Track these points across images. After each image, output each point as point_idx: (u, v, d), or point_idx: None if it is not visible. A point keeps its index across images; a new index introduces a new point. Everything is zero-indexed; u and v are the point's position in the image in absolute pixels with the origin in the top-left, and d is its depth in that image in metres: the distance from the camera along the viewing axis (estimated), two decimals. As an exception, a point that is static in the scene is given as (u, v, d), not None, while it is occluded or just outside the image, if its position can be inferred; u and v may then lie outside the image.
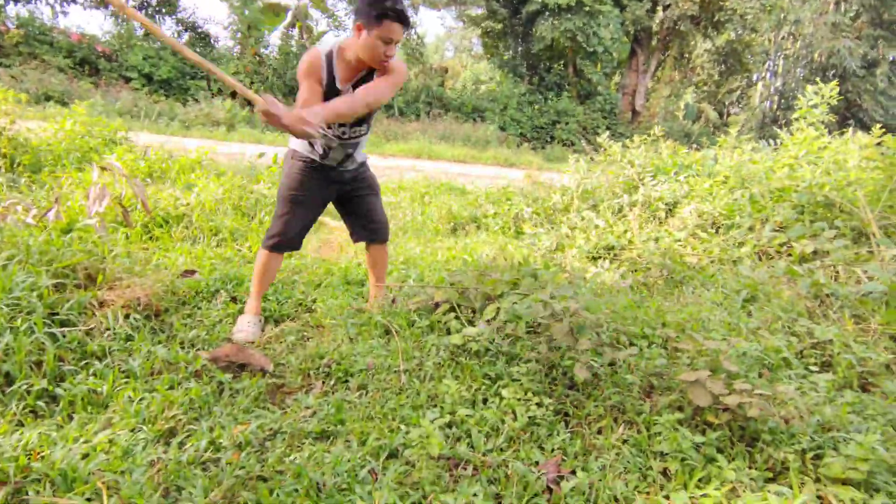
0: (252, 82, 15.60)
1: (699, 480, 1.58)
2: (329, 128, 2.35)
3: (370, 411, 1.88)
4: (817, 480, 1.59)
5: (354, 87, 2.34)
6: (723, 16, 16.08)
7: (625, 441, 1.77)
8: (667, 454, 1.67)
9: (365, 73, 2.34)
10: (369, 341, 2.42)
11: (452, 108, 17.97)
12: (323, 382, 2.13)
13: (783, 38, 20.39)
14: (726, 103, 23.22)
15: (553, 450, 1.74)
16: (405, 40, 19.32)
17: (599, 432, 1.85)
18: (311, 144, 2.49)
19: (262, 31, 16.64)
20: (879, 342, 2.41)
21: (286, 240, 2.61)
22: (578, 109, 18.52)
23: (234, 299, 2.86)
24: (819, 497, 1.52)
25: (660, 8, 17.22)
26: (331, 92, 2.30)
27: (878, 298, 2.63)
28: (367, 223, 2.82)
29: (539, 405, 1.94)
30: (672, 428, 1.74)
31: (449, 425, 1.82)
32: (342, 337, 2.49)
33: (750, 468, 1.61)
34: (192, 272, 3.05)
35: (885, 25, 19.45)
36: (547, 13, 16.62)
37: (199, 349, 2.30)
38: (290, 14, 17.68)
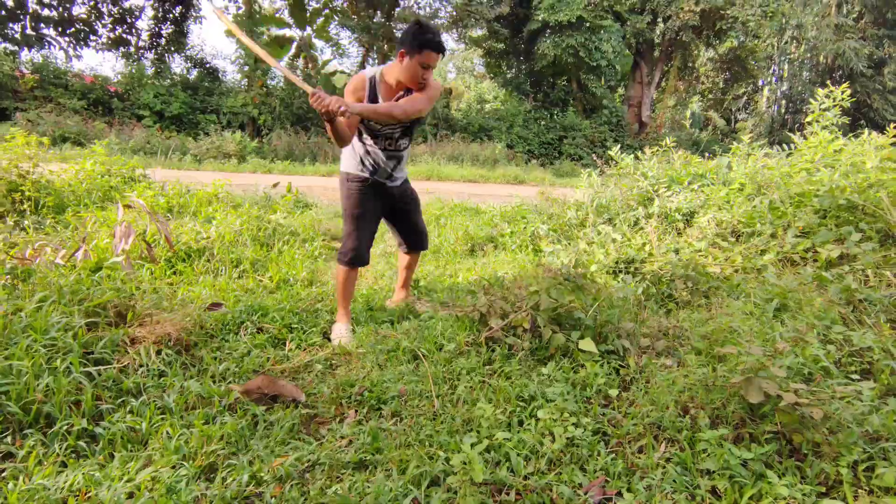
0: (260, 113, 15.91)
1: (750, 498, 1.54)
2: (377, 139, 2.80)
3: (407, 438, 1.87)
4: (871, 492, 1.54)
5: None
6: (724, 24, 16.16)
7: (668, 459, 1.74)
8: (713, 472, 1.64)
9: (403, 92, 2.69)
10: (398, 368, 2.41)
11: (459, 128, 18.15)
12: (356, 411, 2.12)
13: (786, 42, 20.42)
14: (733, 110, 23.19)
15: (595, 471, 1.71)
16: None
17: (640, 451, 1.81)
18: (361, 163, 2.86)
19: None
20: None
21: (359, 254, 2.92)
22: (585, 123, 18.60)
23: (260, 329, 2.88)
24: (875, 510, 1.47)
25: (660, 20, 17.37)
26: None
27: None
28: (413, 234, 3.26)
29: (576, 425, 1.91)
30: (717, 444, 1.71)
31: (487, 450, 1.80)
32: (371, 364, 2.48)
33: (802, 483, 1.57)
34: (218, 305, 3.07)
35: (890, 25, 19.42)
36: (548, 31, 16.84)
37: (230, 382, 2.30)
38: (294, 45, 18.11)
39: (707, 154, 6.86)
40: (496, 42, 20.43)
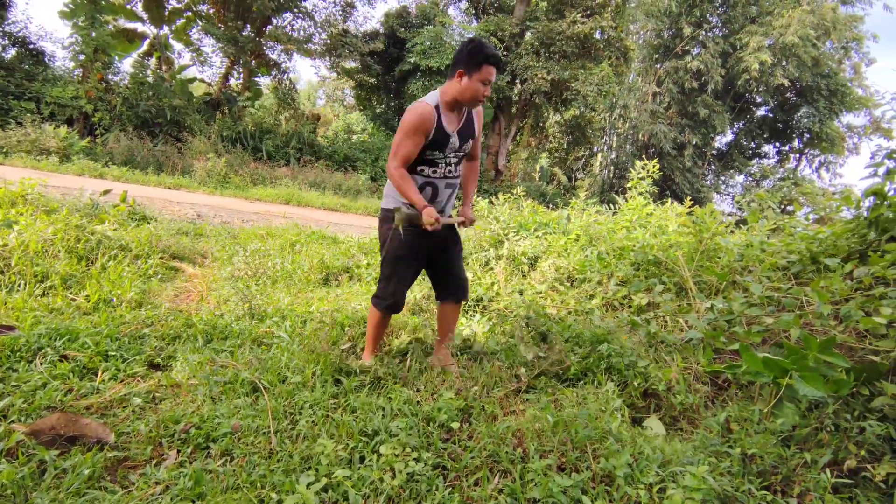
0: (95, 109, 14.03)
1: (567, 522, 1.68)
2: (437, 167, 2.57)
3: (236, 480, 1.71)
4: (662, 512, 1.78)
5: (459, 133, 2.56)
6: (569, 95, 18.45)
7: (500, 491, 1.83)
8: (539, 500, 1.76)
9: (465, 118, 2.60)
10: (235, 401, 2.23)
11: (324, 155, 17.86)
12: (178, 451, 1.89)
13: (615, 118, 23.90)
14: (574, 169, 26.29)
15: (432, 505, 1.73)
16: (276, 85, 19.00)
17: (476, 484, 1.88)
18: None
19: (112, 57, 15.20)
20: (699, 380, 2.83)
21: (398, 301, 2.68)
22: (447, 165, 19.56)
23: (64, 358, 2.46)
24: (665, 527, 1.69)
25: (518, 81, 19.22)
26: (442, 139, 2.51)
27: (697, 344, 3.10)
28: (454, 279, 2.85)
29: (417, 460, 1.92)
30: (543, 473, 1.84)
31: (325, 489, 1.72)
32: (203, 397, 2.25)
33: (610, 505, 1.76)
34: (9, 328, 2.57)
35: (689, 116, 23.84)
36: (419, 73, 17.61)
37: (12, 421, 1.92)
38: (146, 42, 16.46)
39: (551, 205, 7.63)
40: (368, 76, 20.77)
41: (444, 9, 21.24)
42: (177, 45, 17.43)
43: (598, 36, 18.13)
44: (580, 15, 17.36)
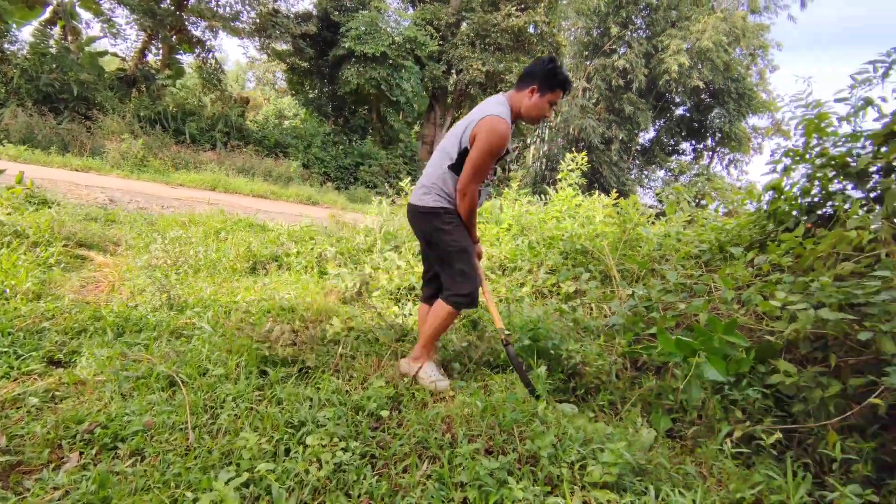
0: (-11, 81, 12.61)
1: (494, 503, 1.71)
2: (487, 178, 2.49)
3: (147, 481, 1.61)
4: (583, 488, 1.86)
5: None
6: (503, 87, 18.74)
7: (429, 476, 1.84)
8: (466, 483, 1.78)
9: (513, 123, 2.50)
10: (148, 397, 2.09)
11: (253, 140, 17.08)
12: (81, 453, 1.75)
13: (548, 112, 24.58)
14: (508, 161, 26.84)
15: (360, 495, 1.71)
16: (201, 64, 17.90)
17: (405, 471, 1.88)
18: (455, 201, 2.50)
19: (10, 24, 13.69)
20: (619, 361, 2.98)
21: (477, 294, 2.53)
22: (381, 153, 19.30)
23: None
24: (585, 502, 1.77)
25: (454, 71, 19.26)
26: (504, 154, 2.44)
27: (620, 329, 3.25)
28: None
29: (345, 450, 1.89)
30: (471, 457, 1.87)
31: (246, 484, 1.65)
32: (111, 394, 2.10)
33: (534, 485, 1.81)
34: None
35: (616, 112, 24.94)
36: (353, 59, 17.19)
37: None
38: (48, 9, 14.96)
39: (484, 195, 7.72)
40: (301, 60, 20.04)
41: (380, -7, 20.84)
42: (84, 15, 15.96)
43: (531, 30, 18.49)
44: (515, 8, 17.62)
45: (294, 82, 21.44)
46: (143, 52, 16.75)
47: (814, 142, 3.17)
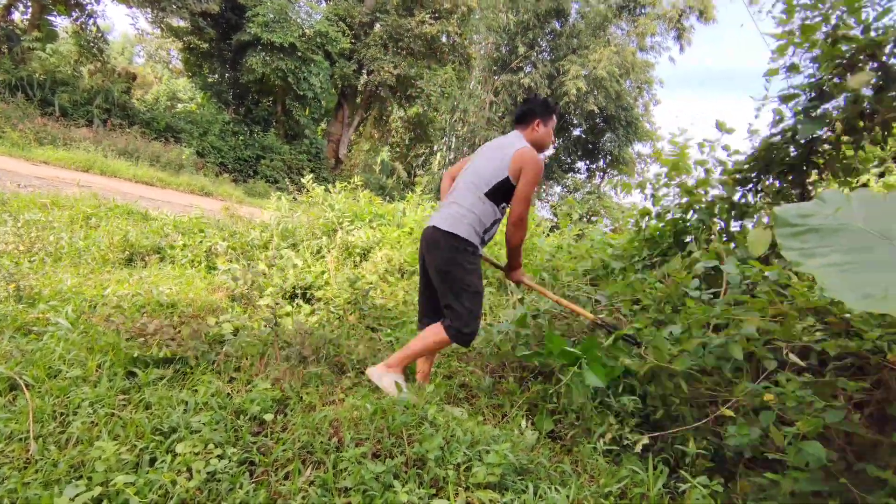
0: None
1: (378, 507, 1.69)
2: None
3: (-29, 500, 1.38)
4: (468, 489, 1.89)
5: None
6: (414, 91, 18.84)
7: (312, 482, 1.77)
8: (350, 488, 1.74)
9: None
10: (-20, 402, 1.80)
11: (140, 121, 15.58)
12: None
13: (455, 121, 25.11)
14: (414, 165, 26.95)
15: (234, 505, 1.60)
16: (79, 30, 16.01)
17: (287, 477, 1.79)
18: (482, 236, 2.55)
19: None
20: (509, 367, 3.10)
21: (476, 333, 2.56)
22: (285, 148, 18.51)
23: None
24: (468, 502, 1.80)
25: (365, 71, 19.02)
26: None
27: (505, 337, 3.36)
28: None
29: (221, 457, 1.77)
30: (357, 461, 1.83)
31: (99, 499, 1.48)
32: (-70, 400, 1.78)
33: (420, 488, 1.81)
34: None
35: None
36: (259, 47, 16.33)
37: None
38: None
39: (389, 198, 7.70)
40: (200, 40, 18.65)
41: (291, -19, 20.04)
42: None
43: (444, 39, 18.81)
44: (429, 16, 17.82)
45: (191, 63, 19.91)
46: (7, 9, 14.64)
47: (680, 178, 3.53)
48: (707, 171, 3.34)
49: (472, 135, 24.36)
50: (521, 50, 24.08)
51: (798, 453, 1.79)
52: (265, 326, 3.10)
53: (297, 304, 3.93)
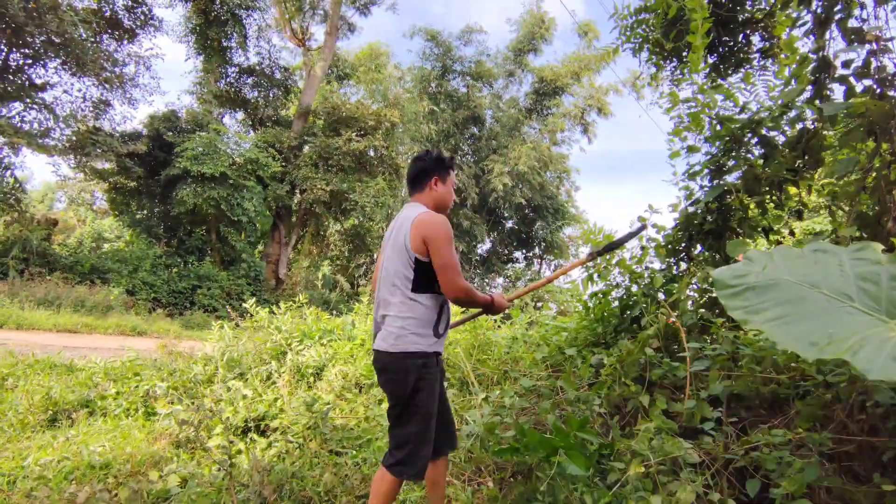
0: None
1: None
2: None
3: None
4: None
5: None
6: (348, 205, 19.37)
7: None
8: None
9: None
10: None
11: (61, 266, 14.86)
12: None
13: (394, 228, 25.81)
14: (356, 276, 26.94)
15: None
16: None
17: None
18: (436, 330, 2.21)
19: None
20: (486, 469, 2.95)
21: (426, 463, 2.19)
22: (222, 275, 18.08)
23: None
24: None
25: (298, 191, 19.46)
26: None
27: (475, 440, 3.23)
28: (447, 424, 2.39)
29: None
30: None
31: None
32: None
33: None
34: None
35: (455, 227, 27.19)
36: (189, 179, 16.46)
37: None
38: None
39: (335, 312, 7.56)
40: (126, 179, 18.59)
41: (219, 117, 20.83)
42: None
43: (371, 153, 19.81)
44: (355, 134, 18.86)
45: (118, 202, 19.62)
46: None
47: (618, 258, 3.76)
48: (643, 248, 3.57)
49: (410, 239, 24.95)
50: (446, 155, 25.74)
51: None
52: (218, 470, 2.82)
53: (250, 438, 3.63)
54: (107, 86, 16.50)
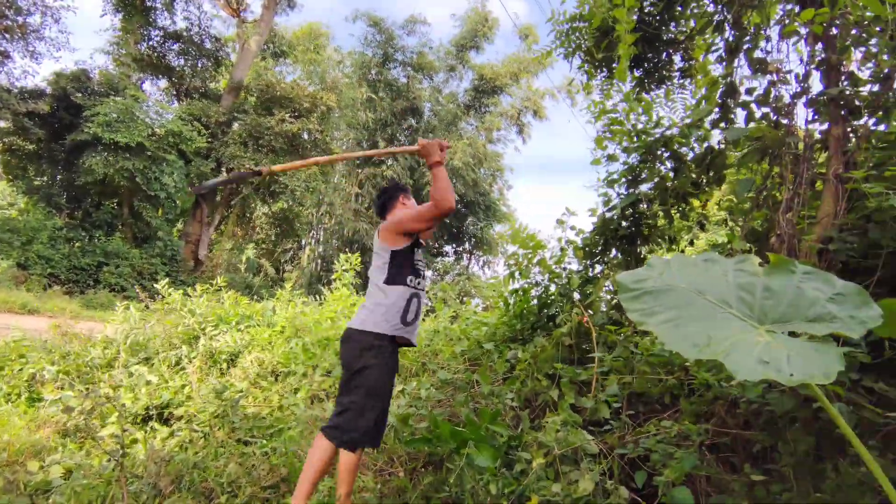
0: None
1: None
2: (420, 275, 2.54)
3: None
4: None
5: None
6: (278, 188, 18.66)
7: None
8: None
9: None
10: None
11: (-62, 233, 13.23)
12: None
13: (322, 214, 25.16)
14: (282, 261, 26.07)
15: None
16: None
17: None
18: (403, 316, 2.41)
19: None
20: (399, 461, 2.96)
21: (369, 437, 2.34)
22: (134, 252, 16.84)
23: None
24: None
25: (224, 169, 18.49)
26: (420, 247, 2.60)
27: (389, 430, 3.25)
28: (386, 417, 2.54)
29: None
30: None
31: None
32: None
33: None
34: None
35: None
36: (101, 147, 15.14)
37: None
38: None
39: (257, 297, 7.28)
40: (24, 140, 16.79)
41: (138, 83, 19.30)
42: None
43: (305, 136, 19.19)
44: (289, 115, 18.18)
45: (13, 166, 17.71)
46: None
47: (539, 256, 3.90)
48: (562, 250, 3.72)
49: (339, 227, 24.51)
50: (382, 145, 25.42)
51: (673, 500, 1.93)
52: (108, 461, 2.64)
53: (151, 427, 3.43)
54: (6, 35, 14.84)
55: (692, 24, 3.99)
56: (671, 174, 3.19)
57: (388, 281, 2.44)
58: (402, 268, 2.46)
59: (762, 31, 3.12)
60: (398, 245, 2.47)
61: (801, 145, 2.51)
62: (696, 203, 3.25)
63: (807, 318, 1.27)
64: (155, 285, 5.94)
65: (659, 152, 3.16)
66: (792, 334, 1.28)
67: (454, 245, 30.47)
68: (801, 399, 1.89)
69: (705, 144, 3.07)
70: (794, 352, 1.14)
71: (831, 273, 1.46)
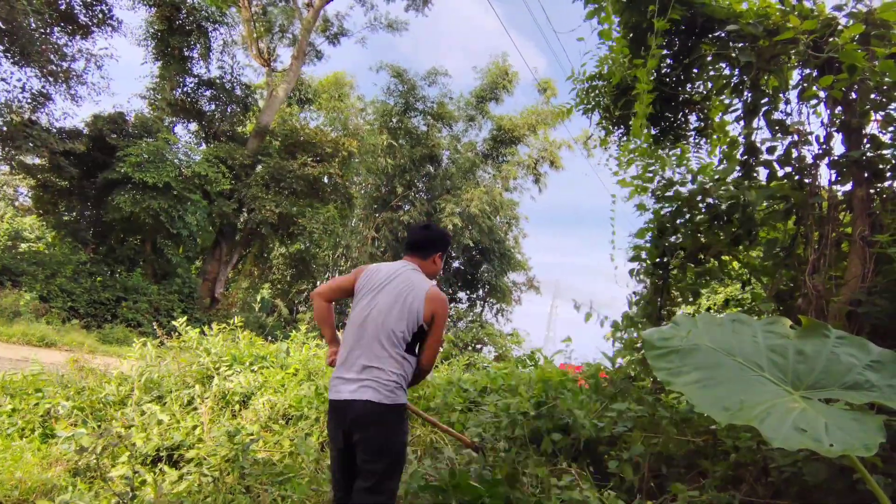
0: None
1: None
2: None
3: None
4: None
5: None
6: (295, 229, 18.98)
7: None
8: None
9: None
10: None
11: (-36, 264, 13.60)
12: None
13: (338, 256, 25.41)
14: (296, 302, 26.17)
15: None
16: None
17: None
18: (409, 384, 2.40)
19: None
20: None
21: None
22: (153, 288, 17.07)
23: None
24: None
25: (245, 210, 18.92)
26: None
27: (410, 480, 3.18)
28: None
29: None
30: None
31: None
32: None
33: None
34: None
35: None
36: (130, 185, 15.66)
37: None
38: None
39: (271, 338, 7.29)
40: (58, 177, 17.44)
41: (171, 126, 20.14)
42: None
43: (325, 180, 19.66)
44: (311, 159, 18.71)
45: (44, 201, 18.32)
46: None
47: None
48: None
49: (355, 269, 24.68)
50: (400, 190, 25.88)
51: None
52: (117, 503, 2.60)
53: (160, 469, 3.38)
54: (50, 79, 15.68)
55: (709, 85, 4.09)
56: (706, 227, 3.16)
57: (408, 349, 2.32)
58: (421, 339, 2.38)
59: (780, 94, 3.19)
60: (426, 328, 2.36)
61: (825, 205, 2.52)
62: (727, 259, 3.22)
63: (843, 385, 1.23)
64: (172, 321, 5.99)
65: (695, 202, 3.14)
66: (828, 401, 1.25)
67: (468, 292, 30.37)
68: (837, 469, 1.81)
69: (730, 202, 3.08)
70: (832, 420, 1.11)
71: (862, 337, 1.43)
